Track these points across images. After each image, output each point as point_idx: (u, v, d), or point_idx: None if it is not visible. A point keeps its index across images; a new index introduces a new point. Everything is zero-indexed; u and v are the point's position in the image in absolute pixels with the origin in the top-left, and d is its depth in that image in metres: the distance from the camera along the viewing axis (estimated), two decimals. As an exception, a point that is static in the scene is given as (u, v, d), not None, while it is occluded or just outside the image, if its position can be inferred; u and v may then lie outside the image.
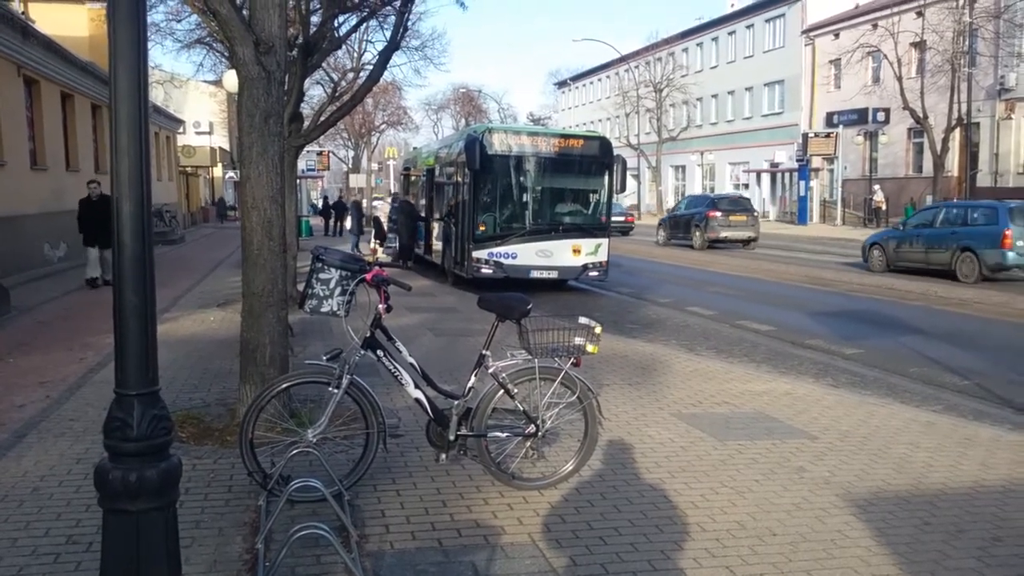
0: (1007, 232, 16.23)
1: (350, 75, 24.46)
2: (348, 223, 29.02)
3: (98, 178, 21.27)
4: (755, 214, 28.35)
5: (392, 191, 42.07)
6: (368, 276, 4.74)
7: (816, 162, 40.57)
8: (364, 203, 29.98)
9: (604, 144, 16.00)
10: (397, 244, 20.17)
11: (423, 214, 20.44)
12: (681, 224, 28.99)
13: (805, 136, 40.66)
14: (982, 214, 17.46)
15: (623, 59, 52.97)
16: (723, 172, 51.43)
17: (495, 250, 15.13)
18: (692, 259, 23.87)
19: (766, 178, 46.94)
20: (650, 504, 4.75)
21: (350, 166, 67.69)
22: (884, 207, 35.49)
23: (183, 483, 2.87)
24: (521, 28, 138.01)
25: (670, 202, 55.59)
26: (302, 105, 14.71)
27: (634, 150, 51.00)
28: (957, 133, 31.97)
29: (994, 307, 13.82)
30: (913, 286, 16.57)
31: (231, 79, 13.76)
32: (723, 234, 26.95)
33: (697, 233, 27.30)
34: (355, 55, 25.90)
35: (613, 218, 18.25)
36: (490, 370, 4.82)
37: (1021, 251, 16.26)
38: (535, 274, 15.24)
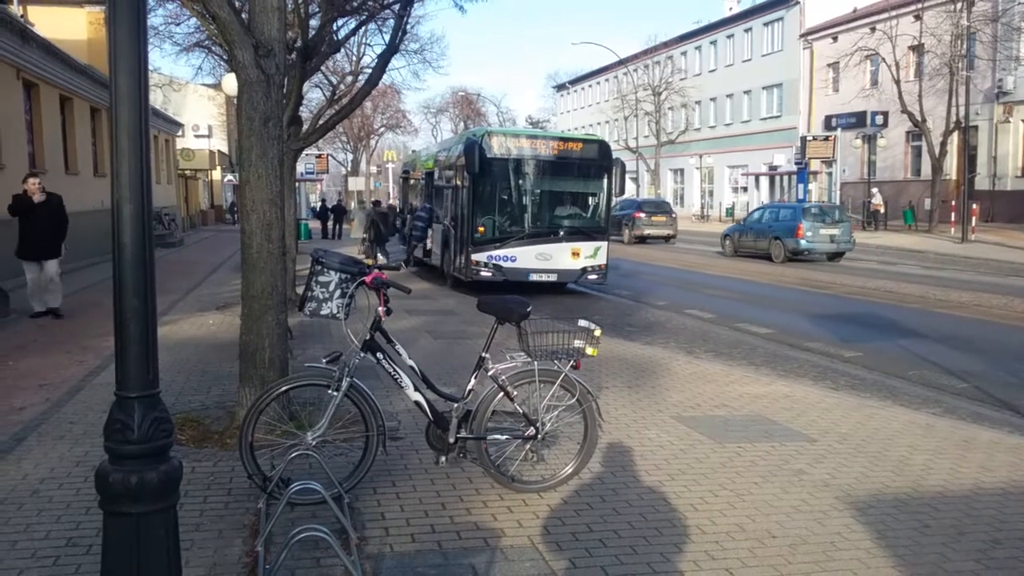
0: (800, 226, 23.06)
1: (349, 78, 24.57)
2: (353, 227, 26.99)
3: (96, 181, 21.38)
4: (674, 215, 33.41)
5: (390, 195, 41.81)
6: (367, 279, 4.74)
7: (815, 165, 40.60)
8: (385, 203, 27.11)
9: (603, 147, 16.01)
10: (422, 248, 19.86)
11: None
12: (615, 223, 33.99)
13: (803, 139, 40.70)
14: (788, 213, 24.46)
15: (622, 62, 53.03)
16: (721, 175, 51.49)
17: (494, 253, 15.14)
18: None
19: (764, 181, 46.99)
20: (649, 507, 4.75)
21: (349, 169, 67.76)
22: (883, 210, 35.51)
23: (183, 486, 2.87)
24: (520, 31, 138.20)
25: (669, 205, 55.69)
26: (301, 108, 14.75)
27: (633, 153, 51.04)
28: (955, 136, 31.99)
29: (991, 309, 13.84)
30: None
31: (230, 82, 13.78)
32: (646, 231, 31.77)
33: (626, 230, 31.81)
34: (354, 58, 26.04)
35: None
36: (490, 373, 4.82)
37: (810, 240, 23.08)
38: (534, 277, 15.25)
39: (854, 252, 24.43)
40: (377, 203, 29.06)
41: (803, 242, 23.01)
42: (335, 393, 4.58)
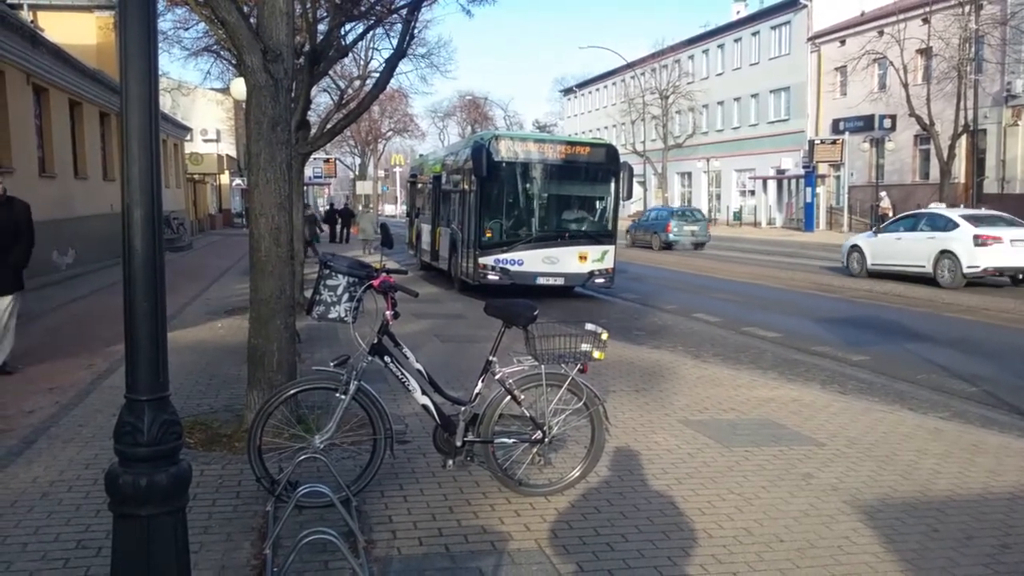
0: (669, 224, 31.25)
1: (357, 83, 24.61)
2: (358, 230, 25.85)
3: (105, 185, 21.47)
4: None
5: (397, 199, 41.78)
6: (375, 282, 4.76)
7: (822, 169, 40.48)
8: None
9: (610, 151, 16.01)
10: None
11: (431, 221, 20.43)
12: None
13: (811, 143, 40.60)
14: (663, 214, 32.91)
15: (629, 66, 53.02)
16: (729, 179, 51.41)
17: (501, 257, 15.15)
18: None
19: (772, 185, 46.89)
20: (657, 510, 4.75)
21: (356, 173, 67.88)
22: (891, 213, 35.32)
23: (191, 489, 2.88)
24: (527, 36, 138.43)
25: (676, 209, 55.72)
26: (309, 112, 14.77)
27: (640, 157, 50.99)
28: (963, 140, 31.86)
29: (1000, 313, 13.78)
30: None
31: (239, 87, 13.84)
32: None
33: None
34: (362, 63, 26.09)
35: None
36: (497, 376, 4.82)
37: (676, 234, 30.98)
38: (541, 280, 15.25)
39: (713, 242, 31.90)
40: (328, 206, 29.03)
41: (671, 235, 30.94)
42: (343, 396, 4.60)
